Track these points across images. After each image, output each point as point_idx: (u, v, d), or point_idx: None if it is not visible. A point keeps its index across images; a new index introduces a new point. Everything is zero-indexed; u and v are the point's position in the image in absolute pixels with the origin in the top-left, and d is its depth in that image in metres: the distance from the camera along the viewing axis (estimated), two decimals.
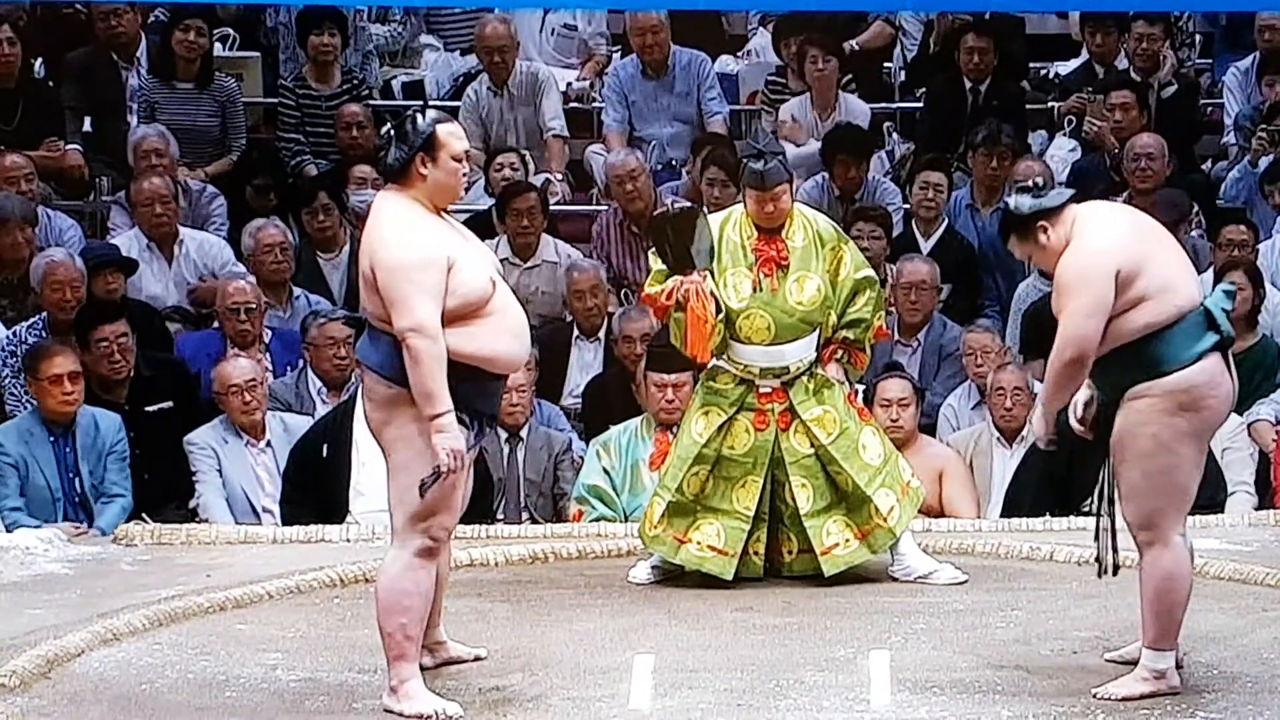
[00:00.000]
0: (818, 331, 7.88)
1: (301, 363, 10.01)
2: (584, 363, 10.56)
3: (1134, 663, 6.55)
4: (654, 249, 7.81)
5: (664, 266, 7.78)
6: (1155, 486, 6.31)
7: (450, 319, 6.19)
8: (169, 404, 9.65)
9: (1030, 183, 6.55)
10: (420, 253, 6.17)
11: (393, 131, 6.32)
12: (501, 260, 10.70)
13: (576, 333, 10.58)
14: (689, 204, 7.82)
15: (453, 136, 6.32)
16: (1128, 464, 6.34)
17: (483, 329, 6.24)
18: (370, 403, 6.33)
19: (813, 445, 7.82)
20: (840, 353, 7.93)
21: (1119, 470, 6.39)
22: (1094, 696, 6.36)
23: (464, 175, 6.40)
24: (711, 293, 7.70)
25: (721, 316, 7.74)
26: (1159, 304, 6.29)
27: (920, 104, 12.43)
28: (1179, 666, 6.54)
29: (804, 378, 7.85)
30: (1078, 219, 6.41)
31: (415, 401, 6.18)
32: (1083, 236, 6.37)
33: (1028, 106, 12.22)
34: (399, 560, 6.30)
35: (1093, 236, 6.36)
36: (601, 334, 10.54)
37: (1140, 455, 6.31)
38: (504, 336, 6.29)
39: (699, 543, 7.84)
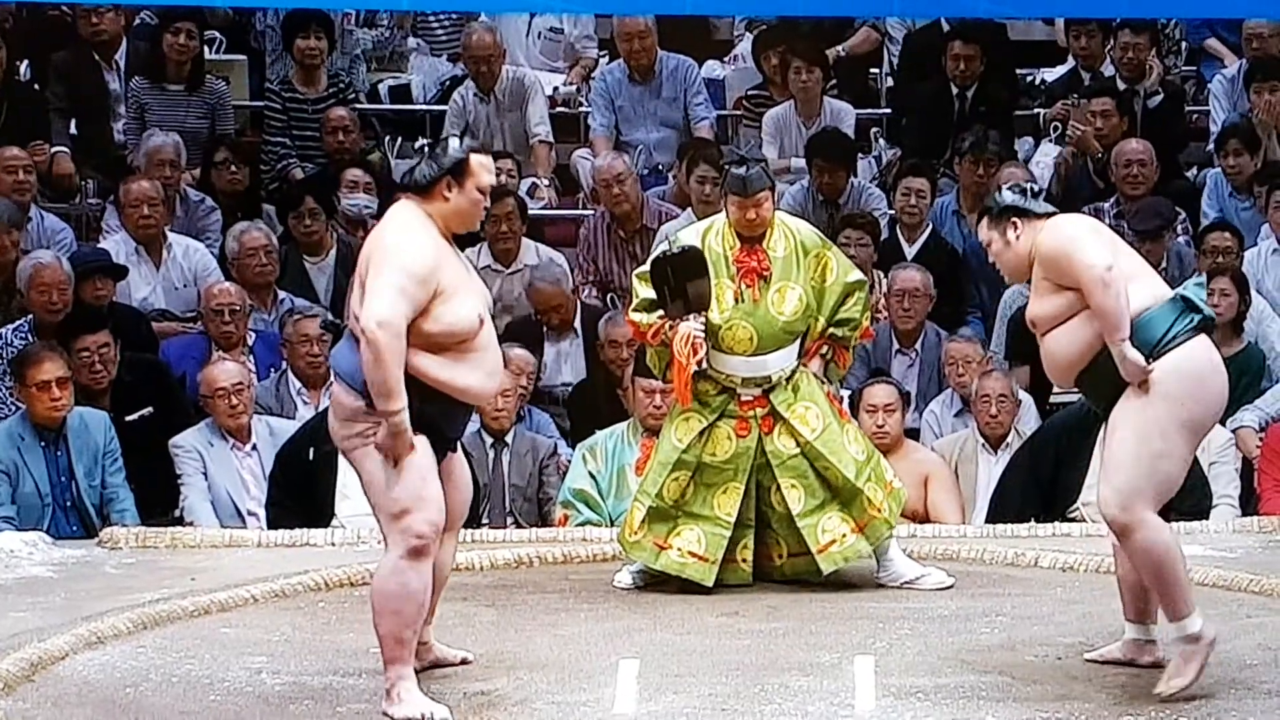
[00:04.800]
0: (800, 340, 7.88)
1: (283, 365, 10.02)
2: (562, 353, 10.58)
3: (1115, 662, 6.63)
4: (650, 286, 7.79)
5: (653, 295, 7.78)
6: (1142, 468, 6.31)
7: (434, 347, 6.25)
8: (149, 410, 9.63)
9: (1026, 186, 6.69)
10: (417, 266, 6.22)
11: (426, 148, 6.41)
12: (483, 267, 10.85)
13: (546, 330, 10.63)
14: (691, 245, 7.78)
15: (483, 168, 6.42)
16: (1120, 440, 6.36)
17: (462, 362, 6.31)
18: (336, 417, 6.37)
19: (798, 444, 7.82)
20: (826, 349, 7.94)
21: (1110, 446, 6.40)
22: (1156, 697, 6.34)
23: (484, 208, 6.48)
24: (702, 341, 7.71)
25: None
26: (1135, 289, 6.36)
27: (908, 109, 12.43)
28: (1161, 667, 6.57)
29: (784, 382, 7.85)
30: (1045, 227, 6.51)
31: (373, 416, 6.22)
32: (1052, 226, 6.50)
33: (1015, 113, 12.25)
34: (386, 564, 6.32)
35: (1063, 222, 6.51)
36: (577, 324, 10.55)
37: (1135, 436, 6.32)
38: (479, 372, 6.36)
39: (679, 549, 7.83)
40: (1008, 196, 6.60)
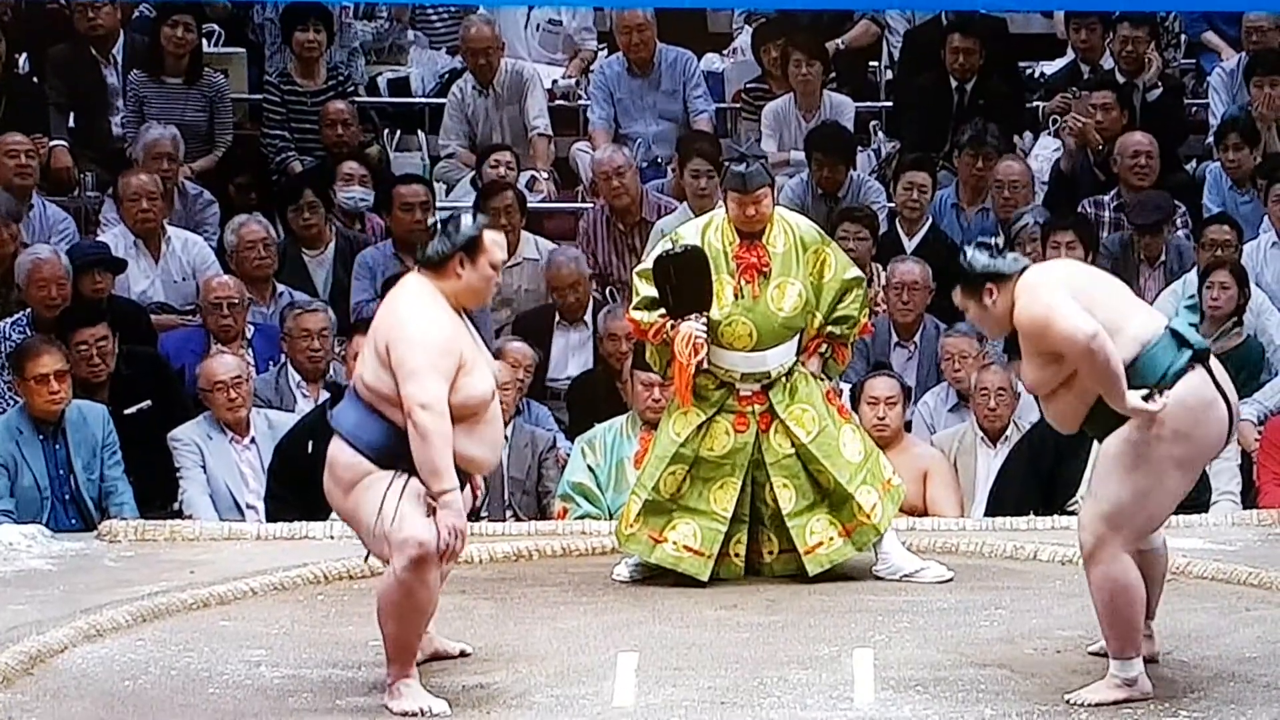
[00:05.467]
0: (799, 335, 7.88)
1: (282, 358, 10.01)
2: (570, 346, 10.58)
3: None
4: (651, 284, 7.79)
5: (654, 293, 7.78)
6: (1127, 502, 6.28)
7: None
8: (147, 403, 9.63)
9: (991, 241, 6.55)
10: (442, 339, 6.29)
11: (439, 225, 6.45)
12: None
13: (559, 317, 10.61)
14: (694, 245, 7.78)
15: (495, 244, 6.46)
16: (1107, 472, 6.32)
17: (469, 434, 6.35)
18: (330, 475, 6.41)
19: (793, 445, 7.82)
20: (825, 346, 7.94)
21: (1098, 473, 6.38)
22: (1066, 701, 6.36)
23: (496, 284, 6.54)
24: (703, 341, 7.70)
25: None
26: (1120, 342, 6.29)
27: (907, 102, 12.42)
28: (1154, 661, 6.58)
29: (783, 379, 7.85)
30: (1019, 286, 6.42)
31: (370, 471, 6.28)
32: (1025, 289, 6.39)
33: (1026, 106, 12.26)
34: (389, 575, 6.32)
35: (1035, 283, 6.40)
36: (587, 317, 10.55)
37: (1123, 469, 6.29)
38: (484, 445, 6.42)
39: (675, 543, 7.84)
40: (979, 260, 6.45)
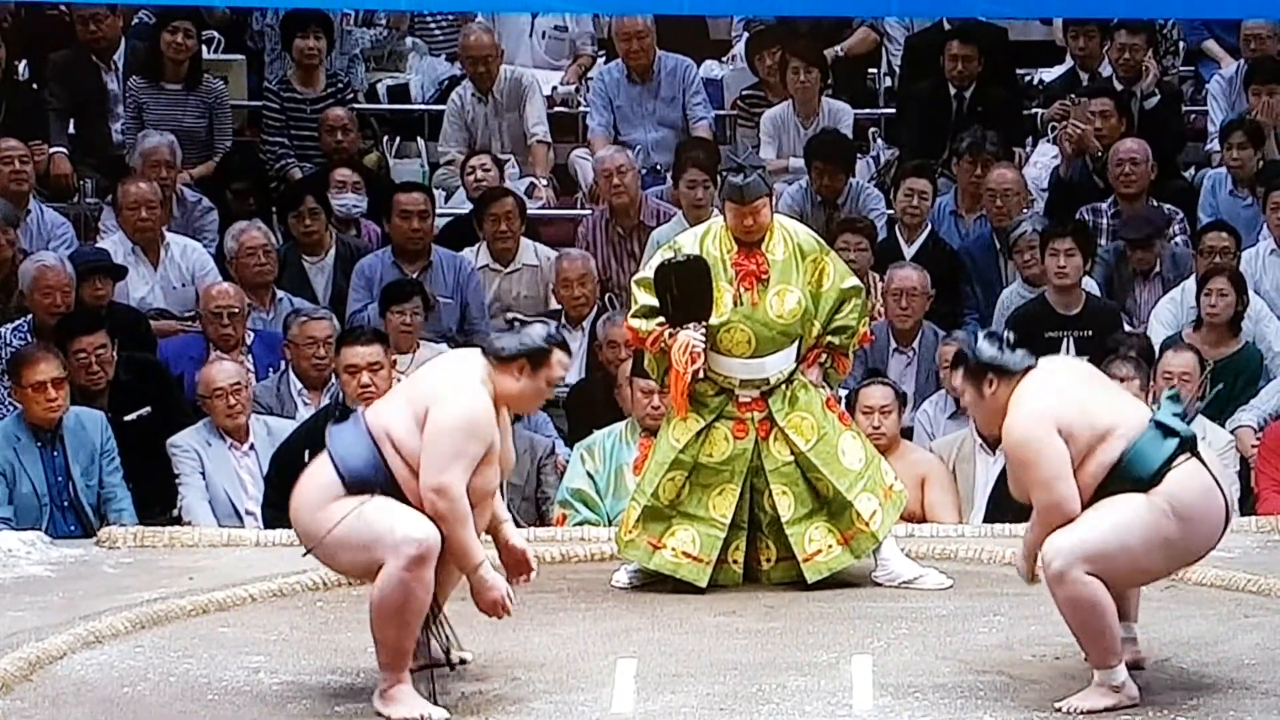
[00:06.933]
0: (798, 343, 7.88)
1: (283, 365, 10.01)
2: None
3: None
4: (650, 293, 7.80)
5: (652, 301, 7.79)
6: (1109, 548, 6.27)
7: None
8: (146, 410, 9.62)
9: (1003, 334, 6.57)
10: (475, 427, 6.34)
11: (517, 321, 6.49)
12: (482, 267, 10.84)
13: (563, 320, 10.61)
14: (696, 254, 7.79)
15: (559, 364, 6.58)
16: (1104, 513, 6.31)
17: (478, 517, 6.43)
18: (300, 491, 6.48)
19: (793, 452, 7.83)
20: (824, 356, 7.94)
21: (1093, 510, 6.35)
22: (1055, 709, 6.36)
23: (545, 398, 6.73)
24: (700, 351, 7.71)
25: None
26: (1109, 444, 6.33)
27: (905, 109, 12.44)
28: (1140, 668, 6.59)
29: (783, 386, 7.86)
30: (1016, 395, 6.44)
31: (341, 496, 6.35)
32: (1017, 403, 6.42)
33: (1025, 113, 12.27)
34: (386, 573, 6.32)
35: (1026, 401, 6.41)
36: (587, 324, 10.54)
37: (1118, 517, 6.29)
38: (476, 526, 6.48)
39: (674, 549, 7.84)
40: (985, 350, 6.49)
